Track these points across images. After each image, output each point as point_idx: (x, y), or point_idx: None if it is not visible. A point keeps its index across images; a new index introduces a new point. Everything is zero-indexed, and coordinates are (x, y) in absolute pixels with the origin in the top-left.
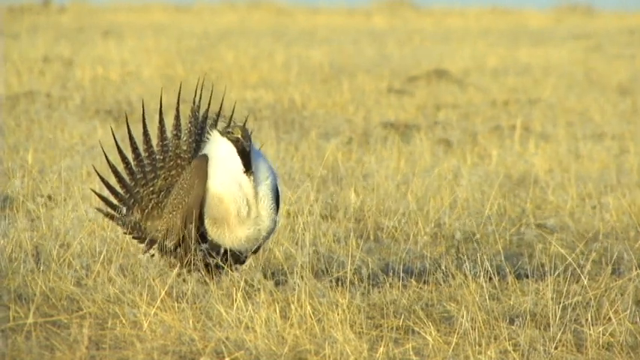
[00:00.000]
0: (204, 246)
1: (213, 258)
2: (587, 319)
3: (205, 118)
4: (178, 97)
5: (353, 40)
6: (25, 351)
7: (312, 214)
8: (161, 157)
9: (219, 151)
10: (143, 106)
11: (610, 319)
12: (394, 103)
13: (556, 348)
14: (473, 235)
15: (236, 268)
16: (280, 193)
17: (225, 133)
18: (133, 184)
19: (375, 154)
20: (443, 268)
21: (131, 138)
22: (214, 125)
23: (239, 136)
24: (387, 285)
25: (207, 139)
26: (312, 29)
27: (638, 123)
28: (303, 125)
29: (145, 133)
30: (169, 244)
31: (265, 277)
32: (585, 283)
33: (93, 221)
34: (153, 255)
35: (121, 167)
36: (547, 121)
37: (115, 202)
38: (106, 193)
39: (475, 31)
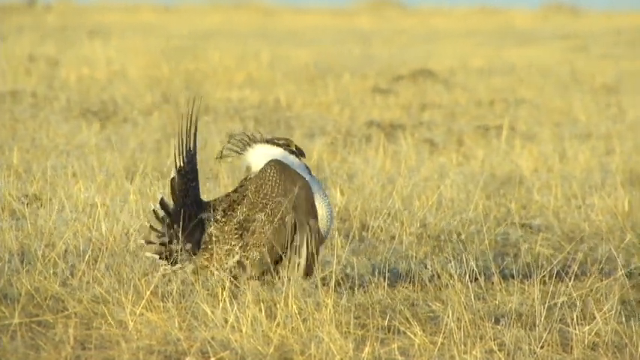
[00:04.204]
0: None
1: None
2: (572, 319)
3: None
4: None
5: (338, 40)
6: (10, 351)
7: None
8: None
9: (285, 157)
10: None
11: (596, 318)
12: (379, 102)
13: (542, 347)
14: (458, 234)
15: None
16: None
17: (275, 142)
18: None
19: (360, 153)
20: (428, 267)
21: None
22: (255, 139)
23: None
24: (373, 285)
25: (250, 150)
26: (297, 29)
27: (624, 123)
28: (288, 125)
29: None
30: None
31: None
32: (571, 283)
33: (78, 221)
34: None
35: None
36: (533, 121)
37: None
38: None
39: (460, 31)
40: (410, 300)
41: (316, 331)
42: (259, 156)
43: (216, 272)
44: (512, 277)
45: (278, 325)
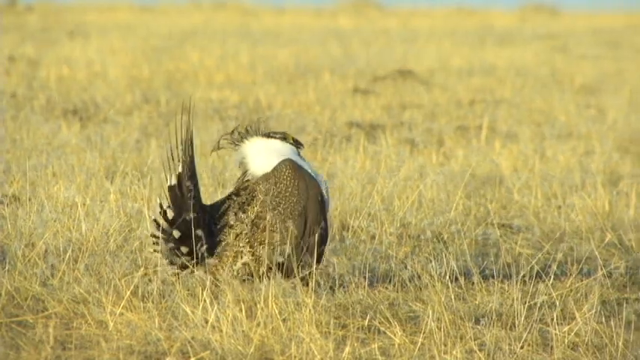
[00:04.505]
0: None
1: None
2: (552, 319)
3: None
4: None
5: (318, 40)
6: None
7: None
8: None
9: (288, 151)
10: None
11: (576, 318)
12: (360, 103)
13: (522, 347)
14: (438, 234)
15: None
16: None
17: (272, 136)
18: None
19: (340, 153)
20: (409, 267)
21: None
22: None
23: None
24: (353, 285)
25: (247, 142)
26: (277, 29)
27: (604, 123)
28: (268, 125)
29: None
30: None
31: (232, 276)
32: (551, 283)
33: (58, 221)
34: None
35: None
36: (512, 121)
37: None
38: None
39: (440, 32)
40: (390, 300)
41: (296, 331)
42: (256, 149)
43: (225, 275)
44: (493, 277)
45: (258, 325)
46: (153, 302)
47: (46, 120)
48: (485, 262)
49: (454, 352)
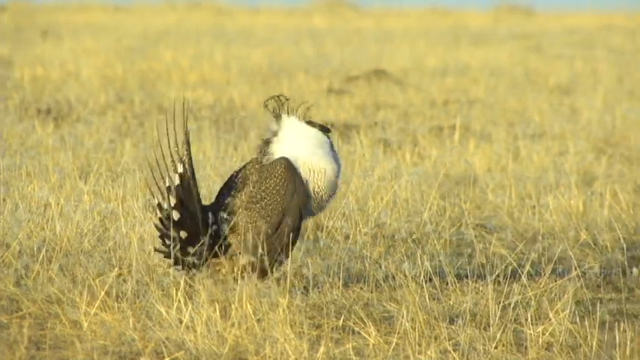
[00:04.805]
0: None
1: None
2: (527, 319)
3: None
4: None
5: (293, 40)
6: None
7: None
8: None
9: (311, 135)
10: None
11: (550, 319)
12: (334, 103)
13: (496, 348)
14: (413, 234)
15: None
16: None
17: (311, 124)
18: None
19: None
20: (383, 268)
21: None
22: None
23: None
24: (328, 285)
25: (279, 126)
26: (251, 29)
27: (578, 123)
28: (242, 125)
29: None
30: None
31: (206, 276)
32: (525, 282)
33: (32, 221)
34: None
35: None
36: (486, 121)
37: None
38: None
39: (415, 32)
40: (364, 300)
41: (271, 332)
42: (289, 129)
43: (228, 275)
44: (467, 277)
45: (233, 325)
46: (127, 302)
47: (20, 120)
48: (459, 262)
49: (428, 352)
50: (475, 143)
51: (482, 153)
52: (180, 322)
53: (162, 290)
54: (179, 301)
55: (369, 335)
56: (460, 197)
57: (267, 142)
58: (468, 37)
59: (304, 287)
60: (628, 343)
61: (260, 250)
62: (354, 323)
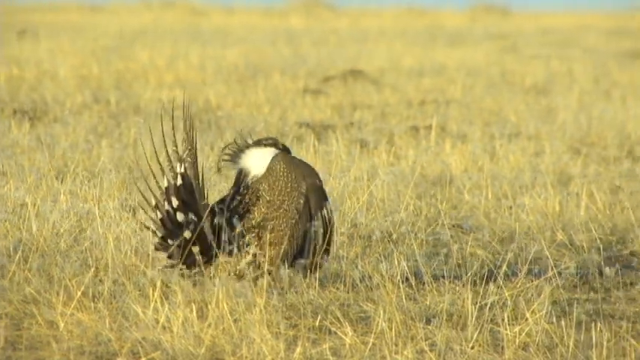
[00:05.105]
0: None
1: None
2: (503, 319)
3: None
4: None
5: (269, 40)
6: None
7: None
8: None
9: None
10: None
11: (526, 319)
12: (310, 103)
13: (472, 348)
14: (389, 235)
15: None
16: None
17: (264, 144)
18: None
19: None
20: (359, 268)
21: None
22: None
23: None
24: (304, 285)
25: (244, 156)
26: (227, 29)
27: (553, 123)
28: (218, 125)
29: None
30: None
31: (182, 277)
32: (502, 283)
33: (8, 221)
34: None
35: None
36: (463, 122)
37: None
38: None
39: (391, 32)
40: (341, 300)
41: (247, 332)
42: (255, 158)
43: (232, 273)
44: (443, 277)
45: (209, 325)
46: (103, 302)
47: None
48: (435, 263)
49: (405, 353)
50: (451, 143)
51: (459, 153)
52: (157, 322)
53: (139, 290)
54: (156, 301)
55: (346, 335)
56: (436, 197)
57: (241, 174)
58: (445, 37)
59: (281, 287)
60: (604, 343)
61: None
62: (330, 323)
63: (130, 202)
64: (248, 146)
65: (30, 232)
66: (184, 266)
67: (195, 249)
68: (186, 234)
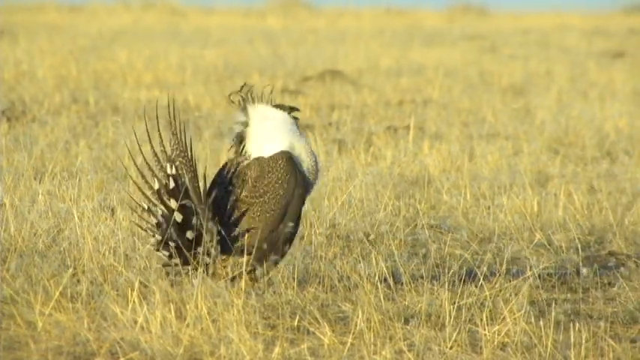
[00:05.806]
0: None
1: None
2: (482, 319)
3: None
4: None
5: (247, 40)
6: None
7: None
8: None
9: (282, 118)
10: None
11: (505, 319)
12: (288, 103)
13: (451, 348)
14: (367, 235)
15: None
16: None
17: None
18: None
19: None
20: (338, 268)
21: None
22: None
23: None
24: (283, 285)
25: (251, 112)
26: (206, 29)
27: (532, 123)
28: (197, 125)
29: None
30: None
31: (160, 277)
32: (480, 283)
33: None
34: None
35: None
36: (441, 122)
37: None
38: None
39: (369, 32)
40: (319, 300)
41: (226, 332)
42: (261, 116)
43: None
44: (422, 277)
45: (187, 325)
46: (82, 303)
47: None
48: (414, 263)
49: (383, 353)
50: (430, 143)
51: (437, 153)
52: (135, 322)
53: (117, 291)
54: (134, 301)
55: (324, 335)
56: (415, 197)
57: (239, 138)
58: (423, 37)
59: (259, 287)
60: (583, 343)
61: (264, 246)
62: (309, 323)
63: (108, 202)
64: (263, 102)
65: (8, 232)
66: (183, 265)
67: (199, 248)
68: (189, 234)
